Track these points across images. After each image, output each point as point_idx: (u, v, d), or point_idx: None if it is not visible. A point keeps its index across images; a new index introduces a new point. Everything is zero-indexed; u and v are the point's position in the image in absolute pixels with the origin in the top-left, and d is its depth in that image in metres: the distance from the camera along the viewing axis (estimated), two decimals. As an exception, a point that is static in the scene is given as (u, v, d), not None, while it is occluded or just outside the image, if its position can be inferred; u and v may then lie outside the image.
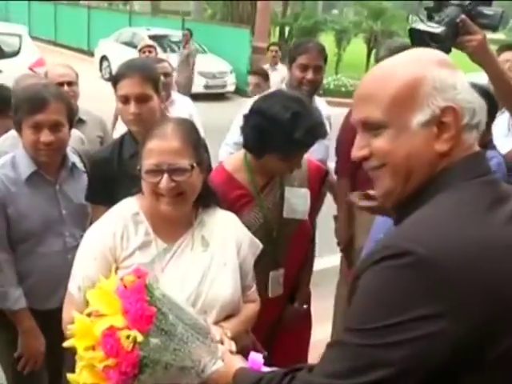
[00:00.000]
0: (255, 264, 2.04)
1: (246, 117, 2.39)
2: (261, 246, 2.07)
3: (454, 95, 1.14)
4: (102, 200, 2.31)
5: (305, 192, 2.54)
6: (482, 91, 1.33)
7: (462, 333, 0.98)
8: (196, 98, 6.61)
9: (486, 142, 2.53)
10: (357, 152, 1.22)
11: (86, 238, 1.90)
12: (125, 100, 2.42)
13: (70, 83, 3.50)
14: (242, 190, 2.42)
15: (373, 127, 1.18)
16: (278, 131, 2.22)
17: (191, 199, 1.85)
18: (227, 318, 1.88)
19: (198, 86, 14.01)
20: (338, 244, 3.59)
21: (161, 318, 1.46)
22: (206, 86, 14.82)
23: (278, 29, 23.28)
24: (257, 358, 1.60)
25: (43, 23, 22.19)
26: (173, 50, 15.01)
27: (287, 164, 2.35)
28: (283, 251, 2.53)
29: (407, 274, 1.01)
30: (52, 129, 2.34)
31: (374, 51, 20.91)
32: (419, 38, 2.07)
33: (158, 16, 18.50)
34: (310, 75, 3.26)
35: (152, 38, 14.88)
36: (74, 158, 2.60)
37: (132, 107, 2.39)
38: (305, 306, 2.77)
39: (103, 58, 16.91)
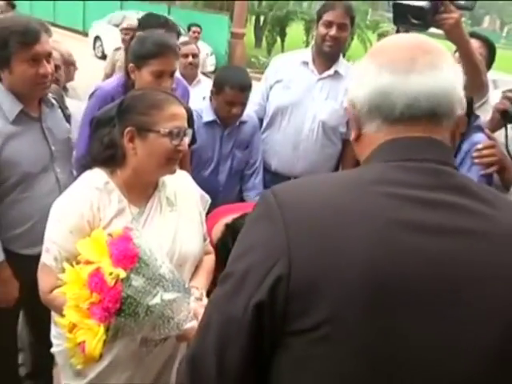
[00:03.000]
0: None
1: None
2: (209, 200, 2.01)
3: (352, 86, 1.03)
4: None
5: None
6: None
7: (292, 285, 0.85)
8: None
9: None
10: None
11: (58, 207, 1.71)
12: (159, 75, 2.37)
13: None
14: None
15: None
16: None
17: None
18: (195, 268, 1.87)
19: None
20: None
21: (143, 265, 1.41)
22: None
23: (254, 17, 23.08)
24: None
25: (44, 6, 21.67)
26: (158, 32, 14.88)
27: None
28: None
29: (262, 224, 0.92)
30: (47, 60, 2.09)
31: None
32: (402, 14, 2.00)
33: (146, 2, 18.27)
34: (333, 32, 2.92)
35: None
36: (49, 94, 2.32)
37: (167, 82, 2.37)
38: None
39: (96, 38, 16.60)
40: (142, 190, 1.78)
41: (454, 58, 1.00)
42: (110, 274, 1.35)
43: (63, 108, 2.39)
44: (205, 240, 1.97)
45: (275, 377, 0.92)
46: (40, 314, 2.06)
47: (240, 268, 0.92)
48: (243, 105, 2.87)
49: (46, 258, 1.68)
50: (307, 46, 20.94)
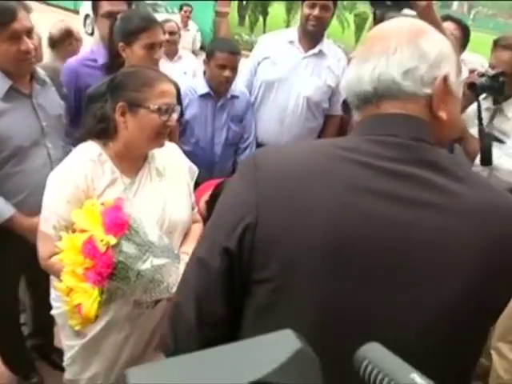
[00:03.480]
0: None
1: None
2: (197, 171, 2.04)
3: None
4: None
5: None
6: None
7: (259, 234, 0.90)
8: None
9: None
10: None
11: (54, 179, 1.71)
12: (150, 47, 2.38)
13: None
14: None
15: None
16: None
17: None
18: (184, 236, 1.90)
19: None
20: None
21: (133, 232, 1.43)
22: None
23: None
24: None
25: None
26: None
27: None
28: None
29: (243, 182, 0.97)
30: (27, 36, 2.01)
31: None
32: None
33: (135, -19, 17.97)
34: (316, 12, 2.96)
35: (129, -1, 14.35)
36: (41, 71, 2.26)
37: (158, 53, 2.40)
38: None
39: (87, 16, 16.09)
40: (132, 162, 1.79)
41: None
42: (102, 240, 1.38)
43: (58, 86, 2.35)
44: (193, 209, 1.98)
45: (245, 321, 0.97)
46: (39, 279, 2.08)
47: (216, 219, 0.98)
48: (233, 69, 2.90)
49: (44, 227, 1.69)
50: (288, 25, 20.72)
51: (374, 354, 0.49)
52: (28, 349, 2.74)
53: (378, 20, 2.37)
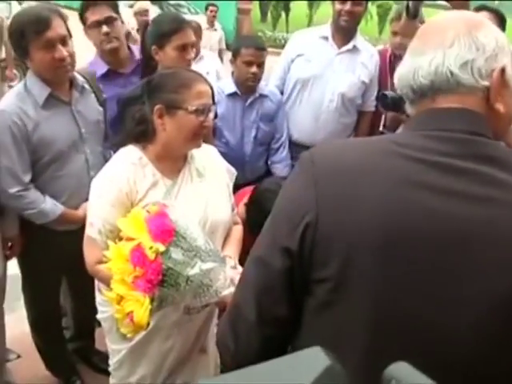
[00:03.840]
0: None
1: None
2: (235, 172, 2.02)
3: None
4: None
5: None
6: None
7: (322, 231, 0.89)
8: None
9: None
10: None
11: (98, 184, 1.73)
12: (182, 48, 2.42)
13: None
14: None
15: None
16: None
17: None
18: (225, 237, 1.90)
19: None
20: None
21: (180, 238, 1.42)
22: (200, 43, 14.44)
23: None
24: None
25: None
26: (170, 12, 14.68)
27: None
28: None
29: (299, 178, 0.97)
30: (62, 44, 2.04)
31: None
32: None
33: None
34: (348, 6, 2.91)
35: (152, 1, 14.45)
36: (80, 78, 2.30)
37: (190, 54, 2.44)
38: None
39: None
40: (172, 163, 1.79)
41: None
42: (150, 248, 1.36)
43: (97, 92, 2.39)
44: (233, 210, 1.97)
45: (304, 319, 0.96)
46: (82, 283, 2.11)
47: (276, 217, 0.97)
48: (260, 65, 2.87)
49: (90, 232, 1.69)
50: (310, 20, 20.66)
51: (402, 374, 0.49)
52: (69, 352, 2.76)
53: (412, 11, 2.32)
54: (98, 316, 1.92)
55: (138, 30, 5.96)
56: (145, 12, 5.88)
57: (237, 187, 2.89)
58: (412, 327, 0.85)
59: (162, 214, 1.46)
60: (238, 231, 1.99)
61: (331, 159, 0.95)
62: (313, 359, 0.46)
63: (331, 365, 0.45)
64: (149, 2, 14.17)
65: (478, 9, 2.91)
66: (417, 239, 0.85)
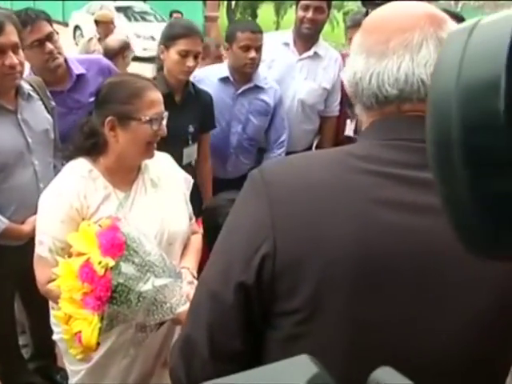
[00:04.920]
0: None
1: None
2: (192, 180, 1.97)
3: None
4: None
5: None
6: None
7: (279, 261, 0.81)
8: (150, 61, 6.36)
9: None
10: None
11: (46, 199, 1.64)
12: (185, 54, 2.45)
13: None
14: None
15: None
16: None
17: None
18: (184, 248, 1.84)
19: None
20: None
21: (131, 252, 1.36)
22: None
23: (225, 1, 22.74)
24: None
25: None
26: (136, 20, 14.60)
27: None
28: None
29: (252, 200, 0.87)
30: (13, 51, 1.95)
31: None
32: None
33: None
34: (310, 14, 2.90)
35: (118, 8, 14.33)
36: (26, 85, 2.17)
37: (190, 61, 2.45)
38: None
39: (76, 28, 15.98)
40: (125, 175, 1.72)
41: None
42: (99, 263, 1.30)
43: (45, 100, 2.26)
44: (190, 219, 1.92)
45: (267, 353, 0.88)
46: (36, 300, 1.98)
47: (228, 247, 0.87)
48: (258, 49, 2.78)
49: (40, 250, 1.61)
50: (277, 26, 20.79)
51: (386, 379, 0.47)
52: (30, 372, 2.64)
53: None
54: (54, 337, 1.83)
55: (99, 39, 5.86)
56: (109, 20, 5.79)
57: (217, 182, 2.84)
58: (392, 353, 0.77)
59: (113, 228, 1.40)
60: (197, 240, 1.94)
61: (286, 177, 0.86)
62: (299, 367, 0.45)
63: (319, 372, 0.44)
64: (113, 10, 14.01)
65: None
66: (390, 261, 0.79)
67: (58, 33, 2.50)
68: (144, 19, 15.30)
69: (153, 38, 13.49)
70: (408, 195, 0.81)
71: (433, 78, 0.48)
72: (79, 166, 1.68)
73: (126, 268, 1.34)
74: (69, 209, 1.59)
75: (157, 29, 14.20)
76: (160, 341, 1.83)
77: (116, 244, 1.34)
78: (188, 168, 2.60)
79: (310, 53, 3.06)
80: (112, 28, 5.76)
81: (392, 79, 0.85)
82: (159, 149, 1.83)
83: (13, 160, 2.05)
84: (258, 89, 2.90)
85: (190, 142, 2.65)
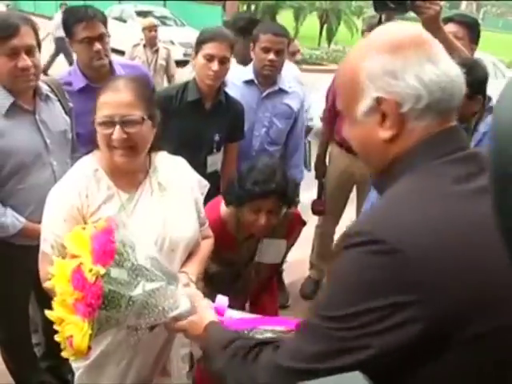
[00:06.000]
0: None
1: None
2: (208, 185, 1.93)
3: (387, 83, 0.93)
4: None
5: (281, 243, 2.33)
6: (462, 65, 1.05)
7: (433, 319, 0.81)
8: (177, 64, 6.42)
9: (474, 112, 2.25)
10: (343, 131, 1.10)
11: (51, 198, 1.66)
12: (210, 58, 2.46)
13: None
14: (229, 237, 2.20)
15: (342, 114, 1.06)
16: (236, 181, 2.07)
17: (143, 151, 1.66)
18: (189, 254, 1.81)
19: (179, 55, 13.63)
20: (316, 176, 3.74)
21: (123, 256, 1.34)
22: (185, 54, 14.35)
23: (245, 6, 22.79)
24: (222, 300, 1.51)
25: (47, 5, 21.13)
26: (156, 24, 14.82)
27: (255, 216, 2.07)
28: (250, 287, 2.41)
29: (379, 262, 0.84)
30: (27, 53, 1.98)
31: (325, 25, 20.74)
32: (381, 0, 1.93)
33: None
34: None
35: (138, 13, 14.45)
36: (44, 86, 2.22)
37: (215, 66, 2.45)
38: None
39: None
40: (131, 176, 1.70)
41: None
42: (90, 271, 1.29)
43: (62, 101, 2.31)
44: (202, 225, 1.90)
45: None
46: (51, 299, 2.03)
47: (365, 308, 0.85)
48: (279, 53, 2.77)
49: (44, 247, 1.63)
50: (297, 32, 20.79)
51: None
52: (42, 370, 2.66)
53: (383, 23, 2.31)
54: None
55: (144, 46, 6.00)
56: (153, 27, 5.97)
57: None
58: None
59: (107, 231, 1.37)
60: (206, 246, 1.91)
61: (405, 231, 0.85)
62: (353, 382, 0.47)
63: None
64: (134, 15, 14.15)
65: (445, 20, 2.87)
66: None
67: (110, 35, 2.59)
68: (164, 24, 15.41)
69: (172, 43, 13.58)
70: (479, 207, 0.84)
71: (496, 112, 0.49)
72: (85, 165, 1.69)
73: (117, 273, 1.32)
74: (70, 208, 1.61)
75: (176, 33, 14.37)
76: (157, 349, 1.82)
77: (108, 250, 1.32)
78: (214, 175, 2.63)
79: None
80: (156, 35, 5.90)
81: (461, 91, 0.97)
82: (183, 153, 1.84)
83: (31, 160, 2.09)
84: (282, 92, 2.91)
85: (215, 151, 2.65)
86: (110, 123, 1.56)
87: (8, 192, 2.10)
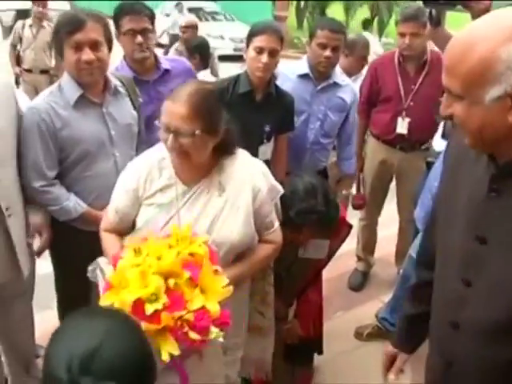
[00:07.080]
0: None
1: None
2: (282, 190, 1.90)
3: None
4: None
5: (324, 243, 2.31)
6: None
7: None
8: (227, 59, 6.49)
9: None
10: (443, 110, 1.12)
11: (125, 170, 1.86)
12: (259, 51, 2.50)
13: None
14: None
15: (453, 95, 1.08)
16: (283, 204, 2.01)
17: (198, 159, 1.69)
18: (238, 257, 1.79)
19: (229, 49, 13.77)
20: None
21: None
22: (235, 49, 14.44)
23: (295, 1, 22.69)
24: None
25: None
26: (207, 20, 14.92)
27: (296, 234, 2.08)
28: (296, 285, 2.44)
29: None
30: (92, 48, 2.07)
31: (376, 18, 20.41)
32: None
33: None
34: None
35: (190, 9, 14.65)
36: (115, 81, 2.31)
37: (265, 58, 2.48)
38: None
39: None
40: (194, 171, 1.74)
41: None
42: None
43: (132, 97, 2.40)
44: (267, 229, 1.86)
45: None
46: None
47: None
48: (335, 49, 2.78)
49: (110, 206, 1.87)
50: (347, 26, 20.48)
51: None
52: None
53: (435, 19, 2.32)
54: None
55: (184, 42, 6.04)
56: (193, 26, 5.98)
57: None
58: None
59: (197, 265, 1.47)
60: (261, 251, 1.87)
61: None
62: None
63: None
64: (185, 11, 14.30)
65: None
66: None
67: (155, 32, 2.69)
68: (214, 19, 15.59)
69: (222, 38, 13.70)
70: None
71: None
72: (154, 153, 1.81)
73: None
74: (129, 186, 1.80)
75: (226, 28, 14.50)
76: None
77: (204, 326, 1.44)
78: (265, 164, 2.67)
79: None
80: (196, 33, 5.92)
81: None
82: (238, 145, 1.85)
83: (95, 149, 2.20)
84: (336, 86, 2.95)
85: (265, 141, 2.70)
86: (166, 129, 1.64)
87: (74, 179, 2.22)
